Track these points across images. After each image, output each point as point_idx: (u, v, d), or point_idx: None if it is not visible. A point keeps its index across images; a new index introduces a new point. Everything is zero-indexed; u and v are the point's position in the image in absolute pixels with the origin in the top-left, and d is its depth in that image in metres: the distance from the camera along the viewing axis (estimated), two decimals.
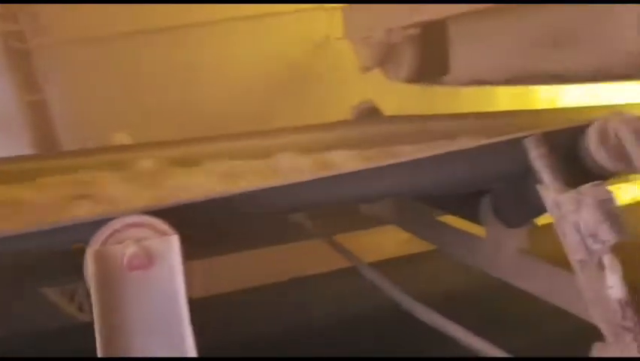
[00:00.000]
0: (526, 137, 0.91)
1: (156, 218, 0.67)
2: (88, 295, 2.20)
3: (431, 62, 1.99)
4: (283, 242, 1.76)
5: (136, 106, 2.34)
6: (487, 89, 2.58)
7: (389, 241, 2.47)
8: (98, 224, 0.68)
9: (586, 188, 0.85)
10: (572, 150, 1.00)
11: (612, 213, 0.83)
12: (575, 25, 1.43)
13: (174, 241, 0.66)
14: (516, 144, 1.03)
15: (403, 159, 1.03)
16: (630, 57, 1.16)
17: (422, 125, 1.65)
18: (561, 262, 1.21)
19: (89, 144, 2.24)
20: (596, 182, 0.85)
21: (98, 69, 2.31)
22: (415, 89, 2.52)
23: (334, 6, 2.45)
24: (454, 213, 1.51)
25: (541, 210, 1.20)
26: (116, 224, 0.67)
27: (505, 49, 1.65)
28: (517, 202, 1.20)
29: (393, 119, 1.88)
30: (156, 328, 0.64)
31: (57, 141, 2.33)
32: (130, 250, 0.64)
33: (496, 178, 1.18)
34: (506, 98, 2.81)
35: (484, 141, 0.99)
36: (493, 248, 1.31)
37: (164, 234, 0.67)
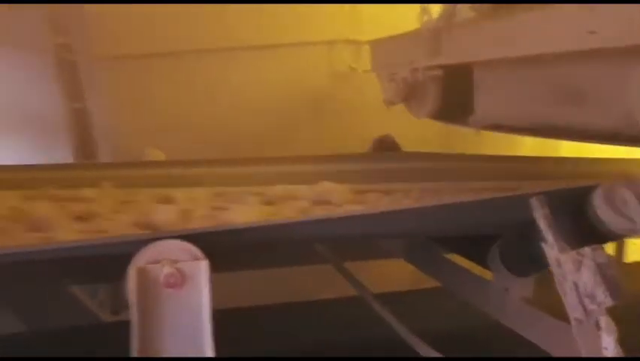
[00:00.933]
0: (531, 195, 0.95)
1: (190, 243, 0.76)
2: (109, 296, 2.32)
3: (454, 102, 2.05)
4: (295, 264, 1.82)
5: (169, 122, 2.45)
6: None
7: (399, 271, 2.50)
8: (139, 242, 0.77)
9: (586, 250, 0.89)
10: (578, 209, 1.04)
11: (610, 277, 0.86)
12: (597, 84, 1.47)
13: (204, 266, 0.75)
14: (524, 198, 1.08)
15: (424, 204, 1.09)
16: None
17: (441, 164, 1.70)
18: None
19: (122, 153, 2.39)
20: (595, 245, 0.89)
21: (137, 84, 2.45)
22: (436, 126, 2.58)
23: (362, 39, 2.54)
24: (462, 255, 1.55)
25: (545, 264, 1.25)
26: (156, 246, 0.75)
27: (526, 99, 1.69)
28: (523, 254, 1.23)
29: (413, 155, 1.94)
30: (183, 338, 0.72)
31: (95, 148, 2.47)
32: (166, 269, 0.73)
33: (505, 227, 1.22)
34: (530, 140, 2.83)
35: (496, 195, 1.04)
36: (500, 294, 1.34)
37: (195, 258, 0.75)
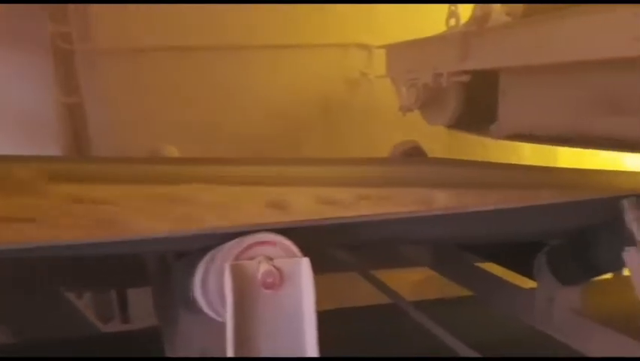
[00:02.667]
0: (622, 197, 0.91)
1: (285, 238, 0.67)
2: (120, 305, 2.15)
3: (476, 110, 2.01)
4: (317, 273, 1.73)
5: (166, 119, 2.35)
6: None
7: (401, 282, 2.45)
8: (218, 236, 0.68)
9: None
10: None
11: None
12: (632, 94, 1.45)
13: (306, 264, 0.66)
14: (591, 204, 1.03)
15: (485, 207, 1.03)
16: None
17: (468, 170, 1.66)
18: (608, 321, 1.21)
19: (119, 151, 2.26)
20: None
21: (136, 80, 2.33)
22: (443, 135, 2.56)
23: (376, 44, 2.49)
24: (500, 263, 1.50)
25: (602, 270, 1.21)
26: (248, 240, 0.66)
27: (560, 107, 1.66)
28: (579, 261, 1.19)
29: (433, 161, 1.90)
30: (282, 345, 0.63)
31: (88, 145, 2.33)
32: (264, 267, 0.64)
33: (564, 234, 1.18)
34: (528, 152, 2.83)
35: (577, 197, 0.99)
36: (546, 304, 1.29)
37: (292, 254, 0.67)
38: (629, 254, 0.91)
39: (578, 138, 1.62)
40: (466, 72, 1.89)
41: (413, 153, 1.92)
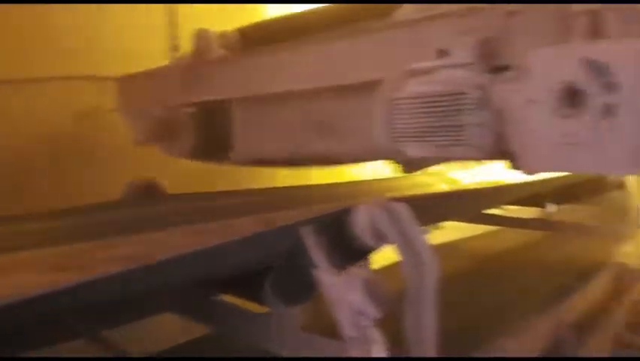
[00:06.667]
0: (300, 225, 0.96)
1: None
2: None
3: (213, 139, 2.01)
4: (44, 345, 1.48)
5: None
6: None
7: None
8: None
9: (353, 270, 0.93)
10: (339, 229, 1.09)
11: (375, 292, 0.92)
12: (334, 118, 1.62)
13: None
14: (292, 228, 1.09)
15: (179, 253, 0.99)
16: (376, 147, 1.34)
17: (202, 203, 1.63)
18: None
19: None
20: (361, 264, 0.94)
21: None
22: (195, 166, 2.52)
23: (104, 76, 2.32)
24: (233, 294, 1.49)
25: (309, 290, 1.28)
26: None
27: (281, 132, 1.77)
28: (294, 282, 1.25)
29: (173, 197, 1.83)
30: None
31: None
32: None
33: (272, 260, 1.21)
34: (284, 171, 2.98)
35: (260, 229, 1.02)
36: (277, 327, 1.33)
37: None
38: (316, 276, 0.97)
39: (301, 159, 1.75)
40: (194, 104, 1.88)
41: (148, 191, 1.81)
